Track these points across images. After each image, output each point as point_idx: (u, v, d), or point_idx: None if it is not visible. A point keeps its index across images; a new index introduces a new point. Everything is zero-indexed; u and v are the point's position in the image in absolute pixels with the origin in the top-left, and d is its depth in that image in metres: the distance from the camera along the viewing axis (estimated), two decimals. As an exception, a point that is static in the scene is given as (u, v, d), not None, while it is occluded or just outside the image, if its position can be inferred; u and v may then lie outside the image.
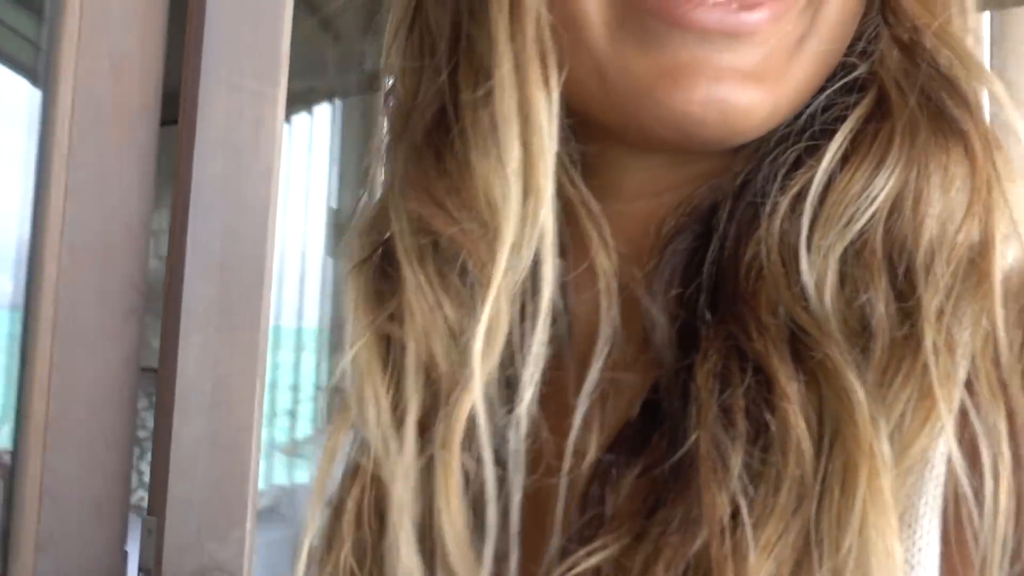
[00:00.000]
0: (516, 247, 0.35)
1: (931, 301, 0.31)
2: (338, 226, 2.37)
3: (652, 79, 0.33)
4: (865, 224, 0.34)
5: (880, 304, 0.32)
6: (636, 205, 0.39)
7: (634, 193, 0.39)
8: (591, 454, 0.35)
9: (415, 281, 0.37)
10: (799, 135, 0.36)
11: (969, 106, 0.35)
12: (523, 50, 0.34)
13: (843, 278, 0.33)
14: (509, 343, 0.36)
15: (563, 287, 0.39)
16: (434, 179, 0.37)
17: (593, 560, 0.31)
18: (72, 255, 0.90)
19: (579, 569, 0.31)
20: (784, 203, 0.35)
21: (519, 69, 0.34)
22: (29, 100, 1.05)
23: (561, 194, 0.37)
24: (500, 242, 0.35)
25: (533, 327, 0.35)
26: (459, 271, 0.37)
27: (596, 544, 0.31)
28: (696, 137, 0.34)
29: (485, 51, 0.35)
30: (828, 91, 0.37)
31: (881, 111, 0.36)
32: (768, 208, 0.35)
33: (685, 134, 0.34)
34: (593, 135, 0.37)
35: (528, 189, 0.35)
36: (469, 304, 0.36)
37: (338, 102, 2.52)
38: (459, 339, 0.36)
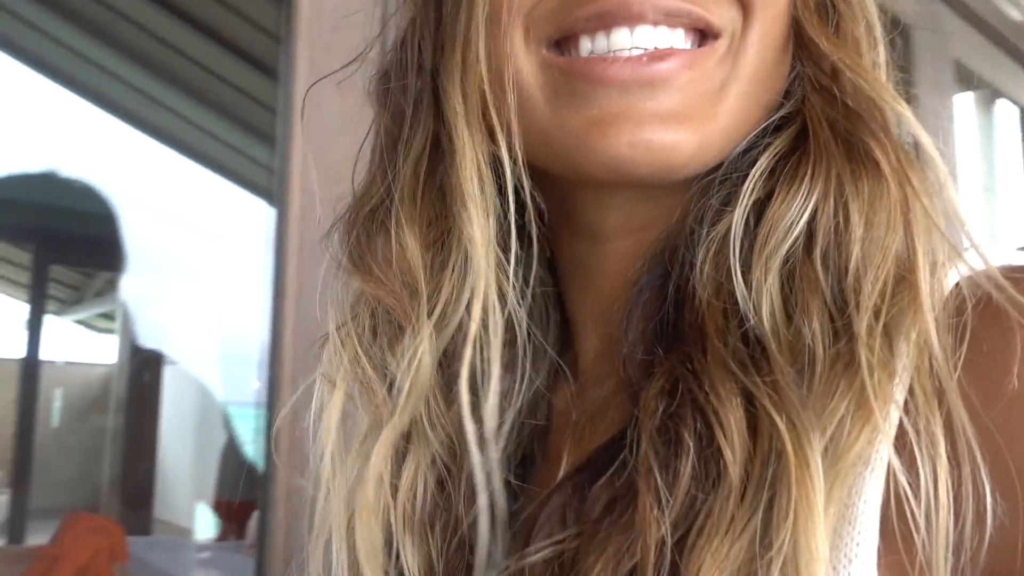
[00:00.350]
0: (437, 304, 0.40)
1: (862, 319, 0.33)
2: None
3: (585, 131, 0.37)
4: (790, 252, 0.36)
5: (816, 324, 0.34)
6: (615, 245, 0.43)
7: (610, 233, 0.43)
8: (561, 473, 0.39)
9: (340, 340, 0.43)
10: (731, 174, 0.39)
11: (878, 134, 0.37)
12: (471, 131, 0.39)
13: (785, 302, 0.36)
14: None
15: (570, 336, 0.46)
16: (370, 250, 0.43)
17: (540, 555, 0.35)
18: (304, 347, 1.01)
19: (529, 560, 0.35)
20: (716, 240, 0.38)
21: (462, 147, 0.39)
22: (267, 219, 1.21)
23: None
24: (421, 299, 0.40)
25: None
26: (393, 327, 0.42)
27: (546, 542, 0.35)
28: (631, 176, 0.37)
29: (443, 141, 0.41)
30: (757, 131, 0.40)
31: (802, 146, 0.38)
32: (704, 246, 0.38)
33: (621, 174, 0.37)
34: (558, 187, 0.42)
35: (450, 253, 0.40)
36: (400, 355, 0.41)
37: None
38: (388, 383, 0.42)
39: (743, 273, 0.36)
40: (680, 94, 0.37)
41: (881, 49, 0.41)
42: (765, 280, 0.36)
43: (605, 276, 0.43)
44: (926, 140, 0.37)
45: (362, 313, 0.43)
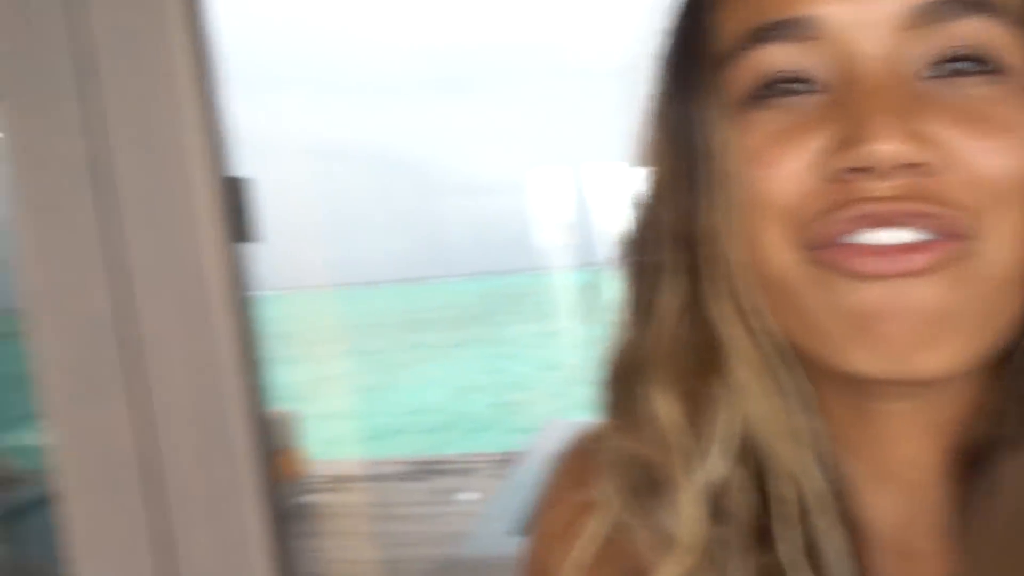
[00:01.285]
0: (697, 460, 0.42)
1: None
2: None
3: (844, 330, 0.37)
4: None
5: None
6: (897, 407, 0.42)
7: (887, 397, 0.42)
8: None
9: (609, 497, 0.45)
10: None
11: None
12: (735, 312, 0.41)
13: None
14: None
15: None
16: (630, 407, 0.45)
17: None
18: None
19: None
20: None
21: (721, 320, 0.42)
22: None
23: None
24: (681, 456, 0.42)
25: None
26: (651, 486, 0.44)
27: None
28: (892, 381, 0.37)
29: (703, 308, 0.43)
30: None
31: None
32: None
33: (884, 378, 0.37)
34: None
35: (716, 403, 0.42)
36: (662, 510, 0.43)
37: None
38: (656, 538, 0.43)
39: None
40: (936, 290, 0.36)
41: None
42: None
43: (891, 441, 0.43)
44: None
45: (622, 472, 0.45)
